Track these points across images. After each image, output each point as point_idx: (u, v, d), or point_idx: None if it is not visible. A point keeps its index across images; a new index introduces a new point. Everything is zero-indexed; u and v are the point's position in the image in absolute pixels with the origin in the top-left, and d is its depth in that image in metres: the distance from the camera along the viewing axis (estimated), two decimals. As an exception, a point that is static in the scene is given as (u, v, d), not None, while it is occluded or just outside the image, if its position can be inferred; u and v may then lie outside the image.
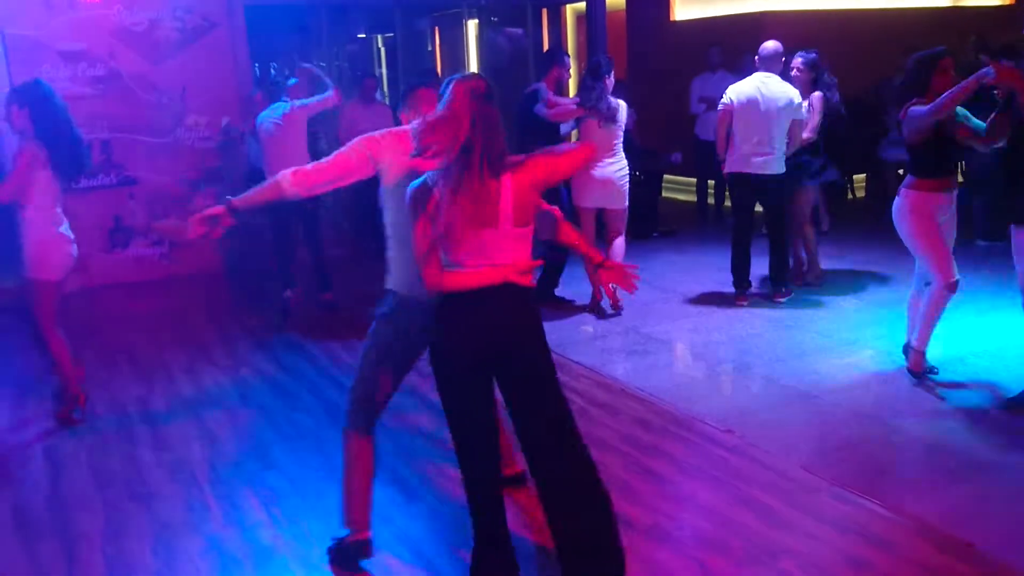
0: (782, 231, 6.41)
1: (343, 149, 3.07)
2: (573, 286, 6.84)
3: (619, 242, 6.36)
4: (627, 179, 6.30)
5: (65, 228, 4.68)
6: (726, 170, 6.40)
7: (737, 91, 6.21)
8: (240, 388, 5.23)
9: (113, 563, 3.39)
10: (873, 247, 7.79)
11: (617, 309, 6.34)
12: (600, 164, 6.14)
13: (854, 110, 8.97)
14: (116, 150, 7.83)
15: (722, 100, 6.29)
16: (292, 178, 3.02)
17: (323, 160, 3.07)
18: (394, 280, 3.16)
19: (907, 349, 4.90)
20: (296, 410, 4.85)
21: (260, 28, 8.99)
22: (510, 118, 6.27)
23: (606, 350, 5.62)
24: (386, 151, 3.05)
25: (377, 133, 3.10)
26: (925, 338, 4.75)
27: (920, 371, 4.80)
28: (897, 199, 4.70)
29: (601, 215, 6.39)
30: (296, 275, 6.63)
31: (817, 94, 6.39)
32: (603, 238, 6.44)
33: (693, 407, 4.64)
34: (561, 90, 6.78)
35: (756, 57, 6.29)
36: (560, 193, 6.49)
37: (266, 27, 9.39)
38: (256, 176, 7.02)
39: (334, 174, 3.05)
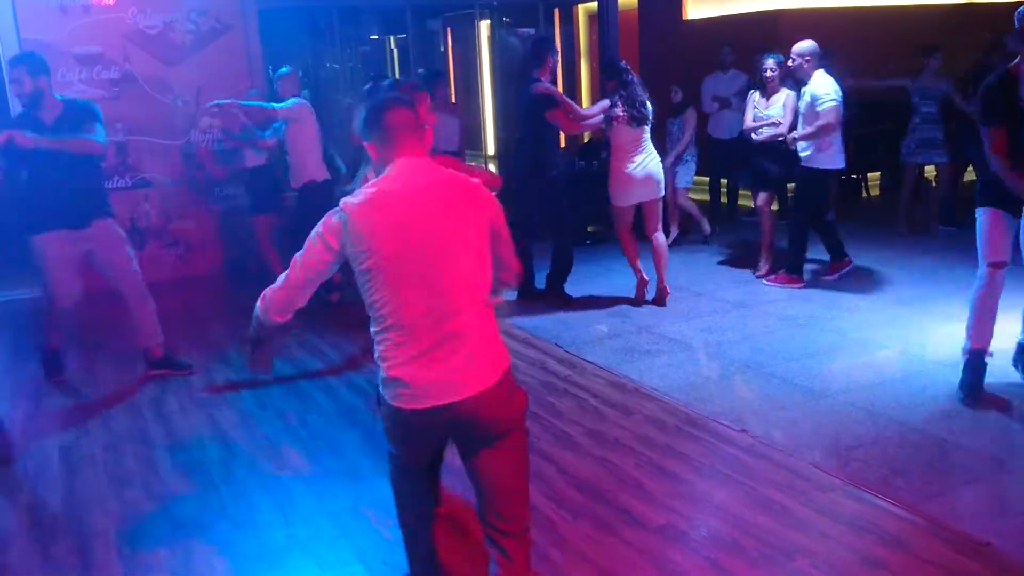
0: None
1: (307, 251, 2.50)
2: (584, 285, 6.84)
3: (661, 235, 6.51)
4: (663, 169, 6.52)
5: None
6: (828, 166, 6.46)
7: (836, 89, 6.25)
8: (254, 389, 5.25)
9: (128, 562, 3.41)
10: (888, 246, 7.75)
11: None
12: (633, 163, 6.26)
13: (869, 108, 8.96)
14: (131, 152, 7.89)
15: (832, 99, 6.19)
16: (272, 307, 2.60)
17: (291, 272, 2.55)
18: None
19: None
20: (310, 412, 4.86)
21: (273, 30, 9.02)
22: (526, 118, 6.37)
23: (620, 349, 5.61)
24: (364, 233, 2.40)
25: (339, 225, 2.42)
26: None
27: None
28: None
29: (640, 209, 6.46)
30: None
31: (791, 93, 6.62)
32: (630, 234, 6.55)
33: (707, 406, 4.62)
34: (554, 80, 6.92)
35: (805, 58, 6.28)
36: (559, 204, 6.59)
37: (279, 29, 9.42)
38: (258, 179, 7.06)
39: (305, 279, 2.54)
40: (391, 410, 2.48)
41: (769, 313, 6.16)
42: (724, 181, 9.66)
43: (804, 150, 6.43)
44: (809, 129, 6.29)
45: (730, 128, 9.08)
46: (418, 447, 2.61)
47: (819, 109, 6.23)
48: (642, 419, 4.50)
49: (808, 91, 6.33)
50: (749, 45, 9.25)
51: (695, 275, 7.30)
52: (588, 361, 5.41)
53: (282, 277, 2.57)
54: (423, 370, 2.41)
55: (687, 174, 8.31)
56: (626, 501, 3.66)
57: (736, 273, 7.27)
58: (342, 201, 2.47)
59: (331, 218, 2.45)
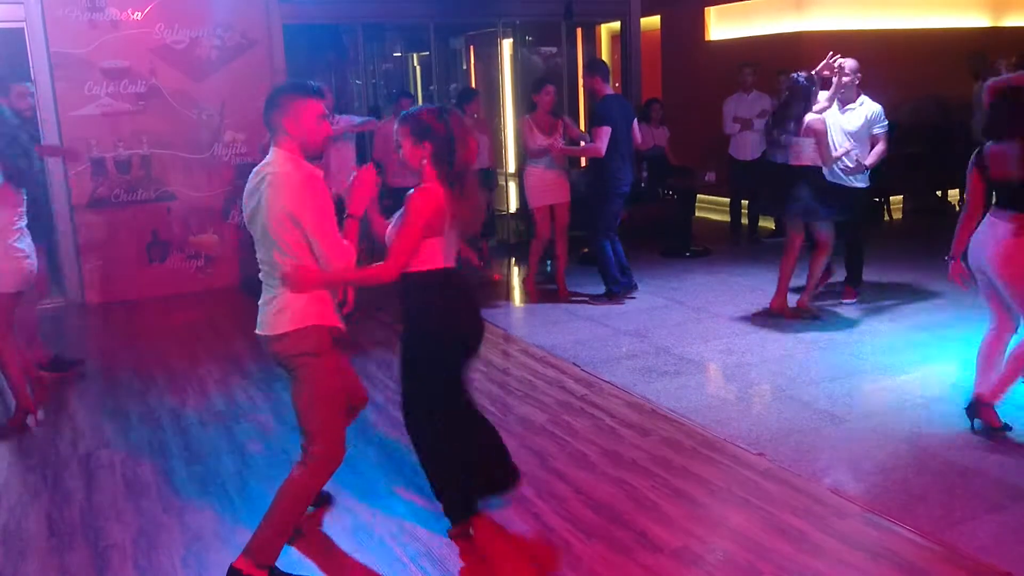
0: None
1: None
2: (600, 306, 6.80)
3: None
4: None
5: (19, 242, 4.79)
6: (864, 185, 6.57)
7: None
8: (272, 402, 5.27)
9: (144, 573, 3.42)
10: (910, 269, 7.69)
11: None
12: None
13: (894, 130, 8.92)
14: (155, 165, 7.97)
15: (886, 122, 6.43)
16: None
17: None
18: None
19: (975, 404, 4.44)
20: (327, 425, 4.87)
21: (298, 46, 9.11)
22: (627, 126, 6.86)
23: (637, 370, 5.59)
24: None
25: None
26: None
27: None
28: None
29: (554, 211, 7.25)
30: None
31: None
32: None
33: (725, 429, 4.60)
34: None
35: (858, 75, 6.39)
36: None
37: (304, 45, 9.51)
38: None
39: None
40: None
41: (788, 336, 6.12)
42: (745, 203, 9.65)
43: (859, 171, 6.41)
44: (875, 156, 6.38)
45: (752, 149, 9.10)
46: None
47: (879, 131, 6.39)
48: (659, 440, 4.48)
49: (869, 111, 6.38)
50: (771, 66, 9.25)
51: (714, 296, 7.27)
52: (605, 381, 5.39)
53: None
54: None
55: None
56: (642, 523, 3.64)
57: (756, 295, 7.23)
58: None
59: None
